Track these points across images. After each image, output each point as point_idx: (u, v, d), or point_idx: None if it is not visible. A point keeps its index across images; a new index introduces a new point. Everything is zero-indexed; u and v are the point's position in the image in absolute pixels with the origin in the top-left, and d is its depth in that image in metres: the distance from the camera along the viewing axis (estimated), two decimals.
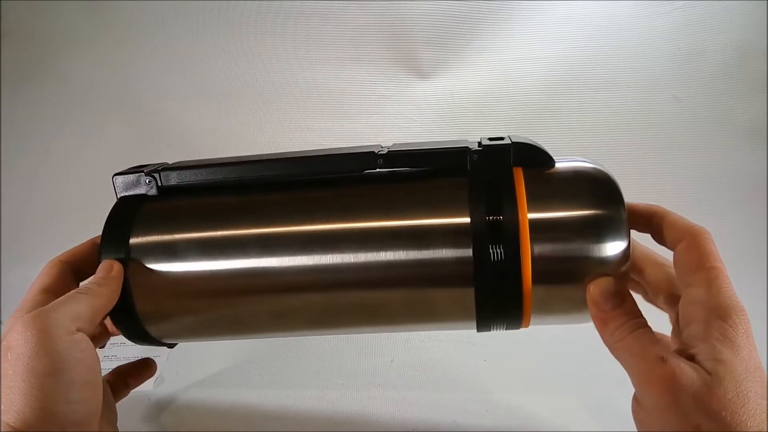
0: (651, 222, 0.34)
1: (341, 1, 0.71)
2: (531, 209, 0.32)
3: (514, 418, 0.45)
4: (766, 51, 0.69)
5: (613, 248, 0.31)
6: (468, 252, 0.32)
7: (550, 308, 0.34)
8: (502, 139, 0.35)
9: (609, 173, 0.33)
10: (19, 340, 0.30)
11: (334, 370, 0.51)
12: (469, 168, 0.34)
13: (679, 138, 0.71)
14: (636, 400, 0.30)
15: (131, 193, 0.39)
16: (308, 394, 0.49)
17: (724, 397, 0.27)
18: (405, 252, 0.34)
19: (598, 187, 0.32)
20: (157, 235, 0.37)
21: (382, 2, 0.70)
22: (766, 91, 0.70)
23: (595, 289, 0.32)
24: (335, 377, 0.50)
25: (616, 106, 0.72)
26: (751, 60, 0.70)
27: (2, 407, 0.29)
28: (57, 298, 0.34)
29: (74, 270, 0.37)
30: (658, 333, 0.33)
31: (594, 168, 0.34)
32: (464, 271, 0.33)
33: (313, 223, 0.35)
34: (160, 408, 0.45)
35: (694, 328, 0.29)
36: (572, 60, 0.72)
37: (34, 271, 0.36)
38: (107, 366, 0.42)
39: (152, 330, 0.38)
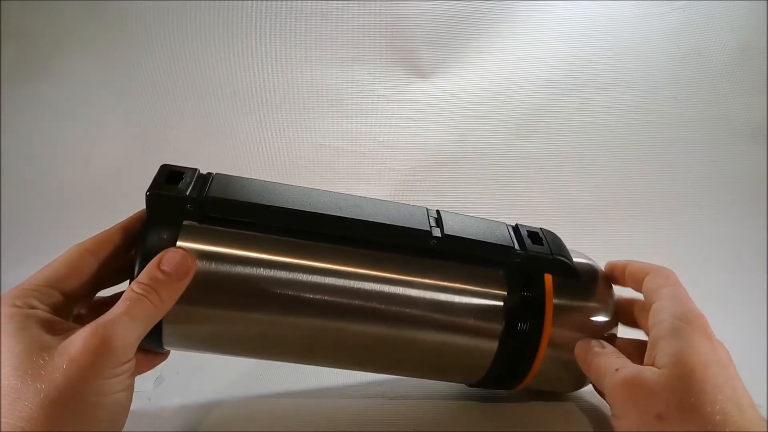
0: (623, 273, 0.40)
1: (341, 1, 0.71)
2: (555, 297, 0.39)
3: (514, 418, 0.45)
4: (766, 51, 0.70)
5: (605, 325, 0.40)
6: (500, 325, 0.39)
7: (551, 370, 0.41)
8: (539, 237, 0.41)
9: (599, 269, 0.42)
10: (80, 352, 0.30)
11: (334, 370, 0.51)
12: (510, 262, 0.39)
13: (679, 138, 0.71)
14: (612, 415, 0.34)
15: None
16: (308, 395, 0.49)
17: (672, 384, 0.31)
18: (444, 301, 0.38)
19: (598, 283, 0.41)
20: (202, 243, 0.35)
21: (382, 2, 0.71)
22: (766, 91, 0.70)
23: (577, 347, 0.39)
24: (335, 377, 0.50)
25: (617, 106, 0.72)
26: (751, 60, 0.70)
27: (29, 412, 0.28)
28: (61, 294, 0.34)
29: (98, 260, 0.35)
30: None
31: (589, 265, 0.42)
32: (492, 329, 0.39)
33: (361, 269, 0.38)
34: (160, 408, 0.45)
35: (657, 329, 0.34)
36: (572, 60, 0.72)
37: (34, 270, 0.36)
38: None
39: (170, 331, 0.36)
